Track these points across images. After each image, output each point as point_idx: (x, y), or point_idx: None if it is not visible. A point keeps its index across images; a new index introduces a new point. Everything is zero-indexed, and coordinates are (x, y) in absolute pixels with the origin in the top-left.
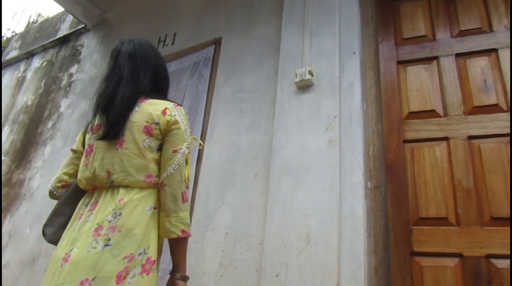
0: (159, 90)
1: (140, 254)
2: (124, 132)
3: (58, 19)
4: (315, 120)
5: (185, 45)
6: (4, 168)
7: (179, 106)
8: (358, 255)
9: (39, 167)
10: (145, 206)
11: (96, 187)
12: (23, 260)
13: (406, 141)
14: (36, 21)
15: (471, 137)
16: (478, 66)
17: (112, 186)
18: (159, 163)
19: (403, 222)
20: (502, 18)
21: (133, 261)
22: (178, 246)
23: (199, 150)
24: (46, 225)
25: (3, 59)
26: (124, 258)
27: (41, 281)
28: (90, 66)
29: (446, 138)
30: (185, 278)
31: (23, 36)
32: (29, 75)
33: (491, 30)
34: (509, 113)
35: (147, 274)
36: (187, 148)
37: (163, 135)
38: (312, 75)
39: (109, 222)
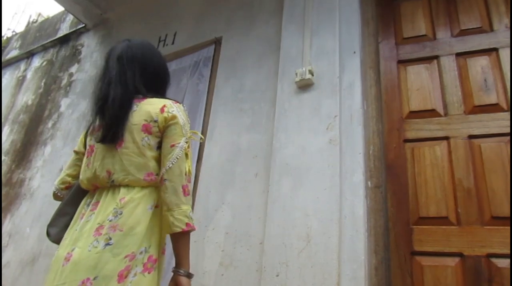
0: (156, 88)
1: (141, 252)
2: (123, 133)
3: (58, 18)
4: (315, 120)
5: (185, 45)
6: (4, 168)
7: (178, 104)
8: (358, 255)
9: (39, 166)
10: (146, 204)
11: (98, 187)
12: (23, 260)
13: (407, 140)
14: (36, 20)
15: (471, 136)
16: (479, 66)
17: (113, 186)
18: (159, 161)
19: (404, 222)
20: (502, 17)
21: (134, 260)
22: (181, 240)
23: (199, 149)
24: (50, 225)
25: (3, 59)
26: (125, 257)
27: (41, 281)
28: (90, 66)
29: (446, 138)
30: (189, 275)
31: (23, 35)
32: (29, 74)
33: (492, 30)
34: (510, 112)
35: (149, 273)
36: (186, 142)
37: (162, 133)
38: (313, 75)
39: (110, 221)
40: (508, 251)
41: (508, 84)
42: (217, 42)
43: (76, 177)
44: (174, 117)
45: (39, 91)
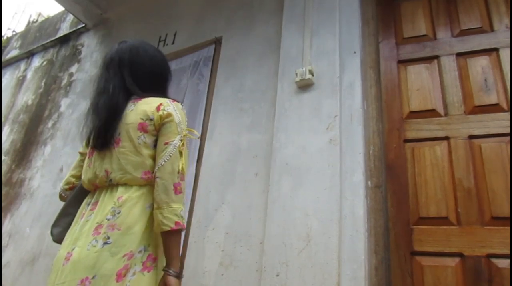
0: (155, 87)
1: (140, 251)
2: (120, 132)
3: (59, 18)
4: (315, 120)
5: (185, 45)
6: (4, 168)
7: (176, 102)
8: (358, 255)
9: (39, 166)
10: (144, 203)
11: (97, 187)
12: (23, 260)
13: (407, 140)
14: (37, 20)
15: (471, 137)
16: (479, 66)
17: (111, 185)
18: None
19: (404, 222)
20: (502, 17)
21: (132, 258)
22: (171, 239)
23: (199, 149)
24: (53, 225)
25: (3, 59)
26: (124, 255)
27: (41, 281)
28: (91, 66)
29: (446, 138)
30: (178, 275)
31: (24, 35)
32: (29, 74)
33: (492, 30)
34: (510, 112)
35: (148, 272)
36: (181, 140)
37: (157, 131)
38: (313, 75)
39: (108, 220)
40: (508, 251)
41: (508, 84)
42: (217, 42)
43: (79, 177)
44: (169, 115)
45: (39, 91)
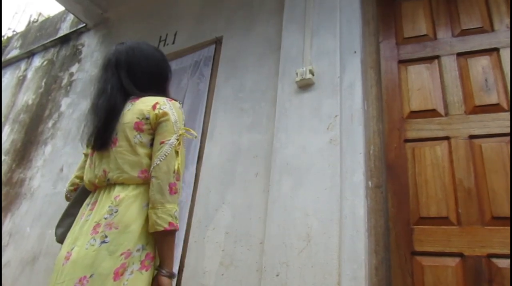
0: (155, 86)
1: (138, 250)
2: (118, 132)
3: (59, 18)
4: (315, 120)
5: (185, 45)
6: (4, 167)
7: (173, 101)
8: (358, 255)
9: (40, 166)
10: (141, 202)
11: (97, 187)
12: (24, 259)
13: (407, 140)
14: (37, 20)
15: (472, 136)
16: (479, 66)
17: (109, 184)
18: None
19: (404, 222)
20: (503, 17)
21: (130, 257)
22: (165, 240)
23: (200, 149)
24: (57, 226)
25: (4, 59)
26: (121, 254)
27: (41, 280)
28: (91, 66)
29: (447, 138)
30: (171, 275)
31: (24, 35)
32: (29, 74)
33: (493, 30)
34: (510, 112)
35: (146, 270)
36: (177, 139)
37: (154, 130)
38: (313, 75)
39: (106, 219)
40: (509, 251)
41: (508, 84)
42: (218, 42)
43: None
44: (165, 114)
45: (40, 91)
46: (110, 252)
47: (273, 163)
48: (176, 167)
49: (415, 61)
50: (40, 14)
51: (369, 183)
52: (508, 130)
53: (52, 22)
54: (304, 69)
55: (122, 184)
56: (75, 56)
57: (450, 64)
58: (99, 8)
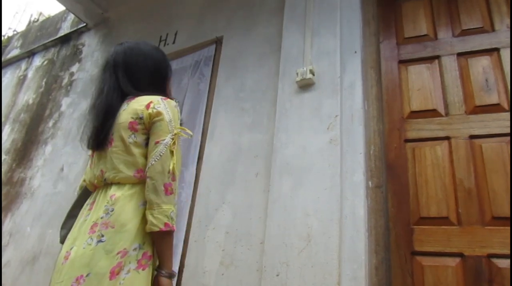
0: (154, 86)
1: (135, 249)
2: (114, 132)
3: (59, 18)
4: (316, 120)
5: (186, 44)
6: (5, 167)
7: (168, 100)
8: (359, 255)
9: (40, 165)
10: (137, 201)
11: (96, 187)
12: (24, 259)
13: (407, 140)
14: (37, 20)
15: (472, 137)
16: (480, 66)
17: (106, 184)
18: None
19: (404, 222)
20: (504, 17)
21: (126, 256)
22: (162, 240)
23: (200, 149)
24: (61, 228)
25: (4, 58)
26: (117, 253)
27: (41, 280)
28: (91, 65)
29: (447, 138)
30: (171, 275)
31: (24, 35)
32: (30, 74)
33: (493, 30)
34: (510, 112)
35: (143, 270)
36: (172, 138)
37: (148, 130)
38: (313, 75)
39: (102, 218)
40: (509, 252)
41: (509, 84)
42: (218, 41)
43: None
44: (159, 113)
45: (40, 91)
46: (106, 251)
47: (274, 162)
48: (171, 167)
49: (415, 61)
50: (40, 13)
51: (369, 183)
52: (508, 130)
53: (52, 22)
54: (305, 69)
55: (118, 183)
56: (76, 56)
57: (450, 64)
58: (99, 7)
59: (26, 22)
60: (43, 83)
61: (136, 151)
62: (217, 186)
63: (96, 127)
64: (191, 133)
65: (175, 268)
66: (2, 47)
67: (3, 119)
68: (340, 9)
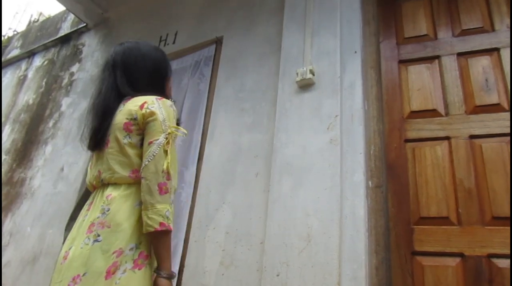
0: (154, 86)
1: (131, 249)
2: (105, 138)
3: (60, 18)
4: (316, 120)
5: (186, 44)
6: (5, 167)
7: (163, 99)
8: (359, 255)
9: (40, 166)
10: (133, 201)
11: (95, 187)
12: (24, 259)
13: (407, 140)
14: (38, 20)
15: (472, 136)
16: (480, 66)
17: (103, 185)
18: None
19: (404, 222)
20: (504, 17)
21: (122, 256)
22: (159, 240)
23: (200, 149)
24: (65, 229)
25: (4, 58)
26: (113, 253)
27: (42, 280)
28: (91, 65)
29: (447, 138)
30: (170, 276)
31: (25, 35)
32: (30, 74)
33: (493, 30)
34: (511, 112)
35: (139, 269)
36: (166, 138)
37: (142, 130)
38: (313, 75)
39: (98, 218)
40: (509, 251)
41: (509, 84)
42: (218, 41)
43: None
44: (152, 113)
45: (40, 91)
46: (103, 250)
47: (274, 162)
48: (165, 167)
49: (415, 61)
50: (40, 14)
51: (370, 183)
52: (508, 130)
53: (52, 22)
54: (305, 69)
55: (115, 184)
56: (76, 56)
57: (450, 64)
58: (99, 8)
59: (26, 22)
60: (43, 83)
61: (131, 151)
62: (217, 186)
63: (94, 128)
64: (185, 131)
65: (175, 268)
66: (2, 47)
67: (3, 119)
68: (340, 9)
